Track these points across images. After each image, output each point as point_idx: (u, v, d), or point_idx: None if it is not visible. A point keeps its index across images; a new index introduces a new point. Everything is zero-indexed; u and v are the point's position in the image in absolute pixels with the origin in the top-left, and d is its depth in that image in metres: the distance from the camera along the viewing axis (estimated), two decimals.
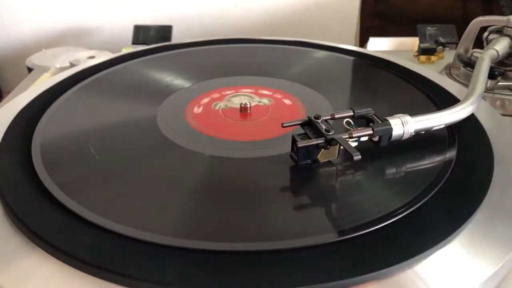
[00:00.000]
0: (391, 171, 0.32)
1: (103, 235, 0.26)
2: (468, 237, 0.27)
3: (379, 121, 0.31)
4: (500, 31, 0.49)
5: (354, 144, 0.30)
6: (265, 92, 0.45)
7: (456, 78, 0.53)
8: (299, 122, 0.32)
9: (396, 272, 0.24)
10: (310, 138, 0.30)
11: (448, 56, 0.61)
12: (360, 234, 0.26)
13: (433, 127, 0.33)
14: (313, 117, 0.31)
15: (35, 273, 0.24)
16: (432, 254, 0.25)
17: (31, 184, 0.30)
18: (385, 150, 0.33)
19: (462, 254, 0.26)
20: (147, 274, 0.23)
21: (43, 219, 0.27)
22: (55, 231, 0.26)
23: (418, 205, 0.28)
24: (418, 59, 0.62)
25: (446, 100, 0.41)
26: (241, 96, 0.44)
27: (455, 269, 0.25)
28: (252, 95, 0.44)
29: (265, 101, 0.42)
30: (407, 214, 0.27)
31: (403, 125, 0.31)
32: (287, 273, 0.24)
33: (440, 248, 0.26)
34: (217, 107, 0.42)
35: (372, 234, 0.26)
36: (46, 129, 0.37)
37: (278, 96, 0.44)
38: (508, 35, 0.48)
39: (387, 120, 0.31)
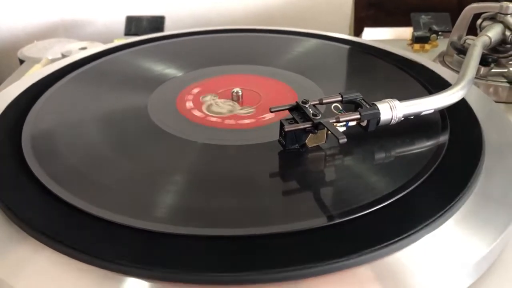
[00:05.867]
0: (381, 155, 0.33)
1: (95, 224, 0.26)
2: (459, 220, 0.27)
3: (367, 105, 0.31)
4: (493, 18, 0.49)
5: (342, 129, 0.30)
6: (257, 81, 0.44)
7: (449, 65, 0.53)
8: (287, 107, 0.32)
9: (386, 255, 0.24)
10: (298, 123, 0.30)
11: (442, 44, 0.61)
12: (351, 218, 0.26)
13: (422, 112, 0.33)
14: (301, 102, 0.31)
15: (29, 262, 0.25)
16: (423, 237, 0.25)
17: (22, 174, 0.30)
18: (377, 135, 0.33)
19: (453, 238, 0.26)
20: (142, 261, 0.23)
21: (34, 209, 0.27)
22: (47, 220, 0.26)
23: (409, 189, 0.28)
24: (412, 48, 0.62)
25: (440, 87, 0.41)
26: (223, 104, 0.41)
27: (445, 252, 0.25)
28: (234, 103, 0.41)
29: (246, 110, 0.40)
30: (398, 198, 0.27)
31: (392, 110, 0.31)
32: (279, 256, 0.24)
33: (430, 231, 0.26)
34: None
35: (363, 218, 0.26)
36: (37, 119, 0.37)
37: (270, 84, 0.44)
38: (501, 22, 0.48)
39: (375, 105, 0.31)
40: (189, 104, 0.40)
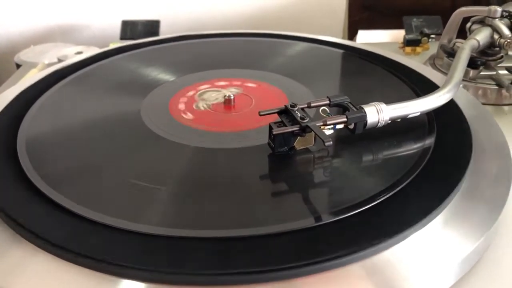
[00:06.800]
0: (369, 157, 0.33)
1: (90, 227, 0.27)
2: (445, 220, 0.28)
3: (354, 109, 0.32)
4: (482, 21, 0.50)
5: (330, 132, 0.31)
6: (251, 84, 0.45)
7: (439, 68, 0.54)
8: (275, 111, 0.33)
9: (376, 253, 0.25)
10: (286, 126, 0.31)
11: (433, 47, 0.61)
12: (340, 219, 0.27)
13: (409, 114, 0.34)
14: (289, 106, 0.32)
15: (24, 266, 0.25)
16: (410, 236, 0.26)
17: (17, 178, 0.31)
18: (365, 137, 0.33)
19: (439, 236, 0.27)
20: (137, 263, 0.24)
21: (29, 213, 0.28)
22: (42, 224, 0.27)
23: (397, 190, 0.29)
24: (404, 51, 0.62)
25: (429, 90, 0.41)
26: (212, 92, 0.44)
27: (432, 251, 0.26)
28: (221, 89, 0.44)
29: (233, 90, 0.42)
30: (386, 198, 0.28)
31: (378, 113, 0.32)
32: (271, 257, 0.24)
33: (417, 230, 0.27)
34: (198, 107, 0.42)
35: (352, 218, 0.27)
36: (32, 123, 0.38)
37: (262, 87, 0.45)
38: (489, 25, 0.48)
39: (362, 108, 0.32)
40: (182, 109, 0.41)
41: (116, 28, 0.69)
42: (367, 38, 0.73)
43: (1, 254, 0.26)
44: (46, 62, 0.61)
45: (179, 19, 0.79)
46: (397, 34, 0.70)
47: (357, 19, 0.85)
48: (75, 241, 0.25)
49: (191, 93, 0.44)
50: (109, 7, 0.78)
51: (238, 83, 0.46)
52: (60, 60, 0.59)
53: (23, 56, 0.64)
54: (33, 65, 0.60)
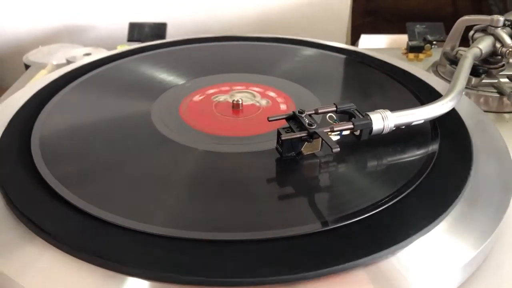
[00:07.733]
0: (374, 163, 0.34)
1: (99, 225, 0.27)
2: (448, 226, 0.28)
3: (360, 116, 0.33)
4: (484, 30, 0.51)
5: (336, 138, 0.32)
6: (257, 89, 0.46)
7: (442, 75, 0.55)
8: (284, 116, 0.33)
9: (380, 258, 0.26)
10: (294, 132, 0.32)
11: (436, 53, 0.62)
12: (346, 224, 0.27)
13: (413, 122, 0.34)
14: (297, 112, 0.33)
15: (36, 261, 0.26)
16: (414, 242, 0.27)
17: (31, 177, 0.32)
18: (370, 143, 0.34)
19: (442, 242, 0.27)
20: (143, 262, 0.25)
21: (42, 210, 0.29)
22: (53, 221, 0.28)
23: (401, 196, 0.29)
24: (407, 57, 0.63)
25: (432, 97, 0.42)
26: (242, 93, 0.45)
27: (435, 256, 0.27)
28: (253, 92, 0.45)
29: (263, 102, 0.43)
30: (390, 204, 0.29)
31: (383, 120, 0.33)
32: (277, 261, 0.25)
33: (421, 236, 0.27)
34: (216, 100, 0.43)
35: (357, 224, 0.27)
36: (44, 125, 0.39)
37: (269, 92, 0.45)
38: (492, 34, 0.49)
39: (368, 115, 0.33)
40: (191, 112, 0.42)
41: (122, 30, 0.70)
42: (369, 43, 0.73)
43: (14, 250, 0.27)
44: (55, 63, 0.61)
45: (185, 22, 0.79)
46: (399, 39, 0.71)
47: (360, 23, 0.85)
48: (85, 239, 0.26)
49: (201, 96, 0.44)
50: (115, 9, 0.79)
51: (246, 87, 0.46)
52: (68, 61, 0.60)
53: (31, 56, 0.65)
54: (41, 66, 0.61)
